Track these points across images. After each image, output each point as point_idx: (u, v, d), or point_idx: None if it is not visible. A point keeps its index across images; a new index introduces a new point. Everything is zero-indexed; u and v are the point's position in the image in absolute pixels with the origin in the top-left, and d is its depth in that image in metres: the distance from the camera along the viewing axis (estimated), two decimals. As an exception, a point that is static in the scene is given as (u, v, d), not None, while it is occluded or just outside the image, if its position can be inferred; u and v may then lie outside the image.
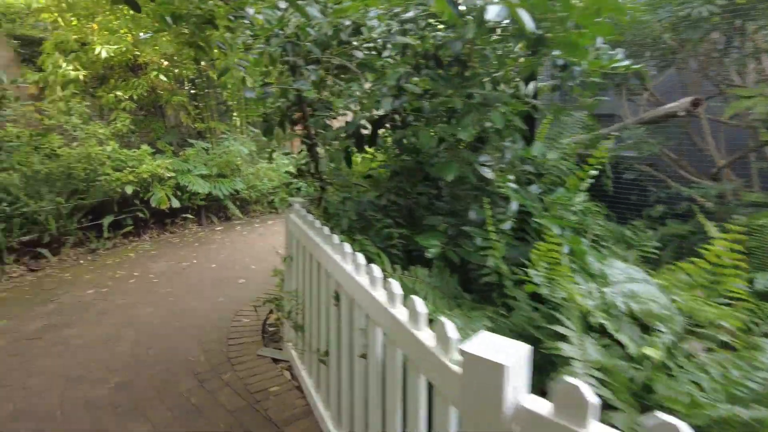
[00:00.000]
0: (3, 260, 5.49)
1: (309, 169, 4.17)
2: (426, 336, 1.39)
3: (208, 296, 4.92)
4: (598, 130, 3.26)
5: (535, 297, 1.89)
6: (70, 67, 7.30)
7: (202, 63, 8.62)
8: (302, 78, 2.81)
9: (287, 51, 2.76)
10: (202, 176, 7.70)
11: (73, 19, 7.60)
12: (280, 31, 2.73)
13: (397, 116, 2.91)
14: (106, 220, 6.54)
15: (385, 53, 2.93)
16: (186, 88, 8.97)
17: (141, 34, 7.88)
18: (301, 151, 4.11)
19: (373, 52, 3.09)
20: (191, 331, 4.09)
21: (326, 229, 2.46)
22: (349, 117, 3.88)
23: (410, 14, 2.44)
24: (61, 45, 7.46)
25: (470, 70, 2.29)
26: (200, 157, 7.94)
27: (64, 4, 7.59)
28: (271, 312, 4.45)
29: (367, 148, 2.98)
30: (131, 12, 7.62)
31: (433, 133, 2.28)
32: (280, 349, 3.68)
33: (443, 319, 1.28)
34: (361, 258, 1.97)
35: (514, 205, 2.04)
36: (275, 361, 3.55)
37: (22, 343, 3.91)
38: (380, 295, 1.74)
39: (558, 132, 3.22)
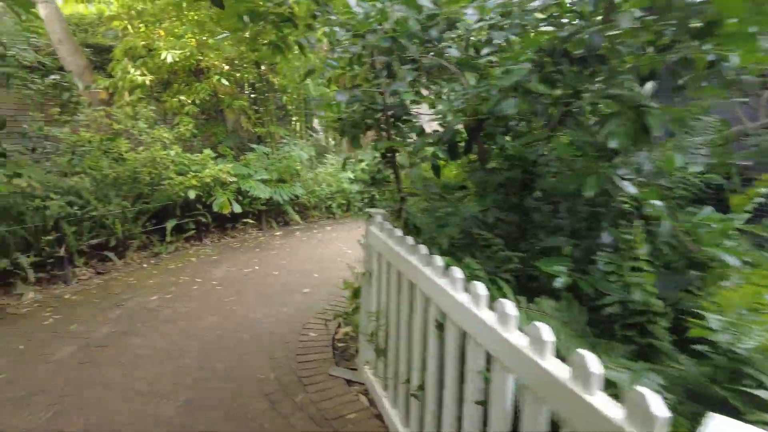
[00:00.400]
0: (74, 263, 5.55)
1: (384, 177, 3.91)
2: (606, 407, 1.07)
3: (272, 306, 4.75)
4: (727, 136, 2.82)
5: (686, 339, 1.54)
6: (138, 73, 7.41)
7: (263, 67, 8.60)
8: (394, 79, 2.55)
9: (382, 49, 2.51)
10: (263, 181, 7.62)
11: (141, 25, 7.73)
12: (379, 26, 2.47)
13: (495, 120, 2.60)
14: (170, 224, 6.54)
15: (485, 50, 2.63)
16: (246, 92, 8.98)
17: (205, 37, 7.94)
18: (375, 158, 3.87)
19: (471, 50, 2.80)
20: (258, 345, 3.90)
21: (423, 248, 2.17)
22: (424, 121, 3.60)
23: (537, 3, 2.12)
24: (129, 51, 7.60)
25: (602, 67, 1.95)
26: (261, 162, 7.89)
27: (133, 12, 7.73)
28: (339, 326, 4.23)
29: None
30: (196, 17, 7.69)
31: (568, 141, 1.96)
32: (354, 369, 3.43)
33: (641, 389, 0.96)
34: (481, 288, 1.67)
35: (665, 227, 1.69)
36: (349, 382, 3.29)
37: (92, 350, 3.84)
38: (516, 338, 1.43)
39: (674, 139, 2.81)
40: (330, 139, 9.58)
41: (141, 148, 6.37)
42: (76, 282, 5.47)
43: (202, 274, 5.75)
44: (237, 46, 7.48)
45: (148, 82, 7.40)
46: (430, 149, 2.77)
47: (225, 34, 3.49)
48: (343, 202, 8.91)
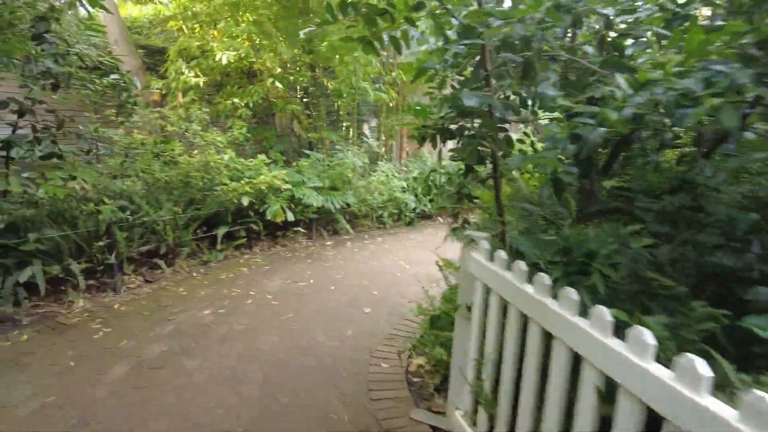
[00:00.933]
0: (123, 270, 5.32)
1: (471, 191, 3.46)
2: None
3: (334, 328, 4.35)
4: None
5: None
6: (191, 74, 7.22)
7: (316, 70, 8.31)
8: (525, 80, 2.11)
9: (512, 46, 2.07)
10: (315, 188, 7.30)
11: (196, 26, 7.56)
12: (528, 17, 2.03)
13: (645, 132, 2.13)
14: (221, 232, 6.27)
15: (629, 48, 2.17)
16: (298, 96, 8.72)
17: (259, 39, 7.70)
18: (460, 170, 3.44)
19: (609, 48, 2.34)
20: (324, 374, 3.51)
21: (571, 292, 1.72)
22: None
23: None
24: (183, 52, 7.43)
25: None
26: (314, 169, 7.57)
27: (189, 13, 7.57)
28: (410, 356, 3.79)
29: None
30: (252, 17, 7.46)
31: None
32: (439, 413, 2.99)
33: None
34: (701, 366, 1.20)
35: None
36: (434, 430, 2.85)
37: (145, 371, 3.53)
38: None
39: None
40: (382, 146, 9.21)
41: (195, 152, 6.13)
42: (125, 290, 5.23)
43: (255, 285, 5.43)
44: (290, 48, 7.20)
45: (201, 84, 7.20)
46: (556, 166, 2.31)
47: (310, 28, 3.09)
48: (395, 211, 8.50)
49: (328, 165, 7.82)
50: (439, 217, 9.26)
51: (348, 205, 7.70)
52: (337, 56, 7.45)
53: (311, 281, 5.62)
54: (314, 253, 6.86)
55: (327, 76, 8.47)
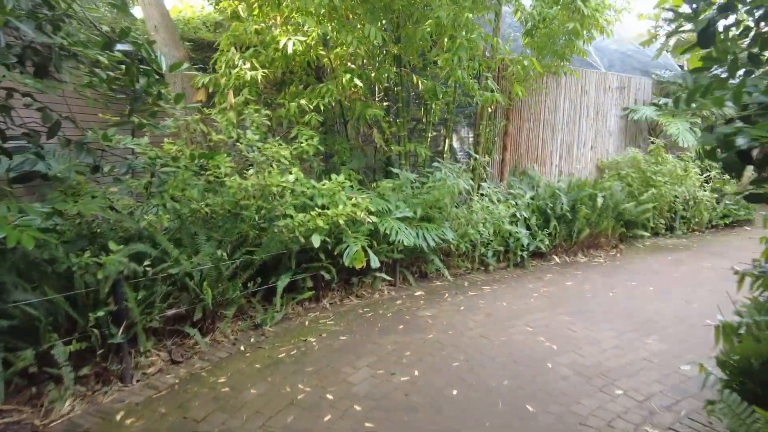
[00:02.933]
0: (138, 347, 3.55)
1: None
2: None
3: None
4: None
5: None
6: (247, 66, 5.50)
7: (404, 65, 6.42)
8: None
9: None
10: (404, 219, 5.37)
11: (255, 6, 5.86)
12: None
13: None
14: (281, 284, 4.43)
15: None
16: (377, 98, 6.86)
17: (331, 26, 5.88)
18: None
19: None
20: None
21: None
22: None
23: None
24: (238, 39, 5.74)
25: None
26: (399, 193, 5.65)
27: (246, -10, 5.89)
28: None
29: None
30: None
31: None
32: None
33: None
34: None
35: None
36: None
37: None
38: None
39: None
40: (483, 162, 7.16)
41: (249, 171, 4.33)
42: (138, 380, 3.44)
43: (331, 378, 3.51)
44: (378, 30, 5.33)
45: (259, 79, 5.46)
46: None
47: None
48: (499, 248, 6.43)
49: (417, 188, 5.88)
50: (555, 256, 7.09)
51: (444, 241, 5.70)
52: (446, 38, 5.51)
53: (415, 372, 3.63)
54: (403, 312, 4.88)
55: (417, 73, 6.57)
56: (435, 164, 6.09)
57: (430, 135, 7.12)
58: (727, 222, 9.70)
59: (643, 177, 8.49)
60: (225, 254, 3.94)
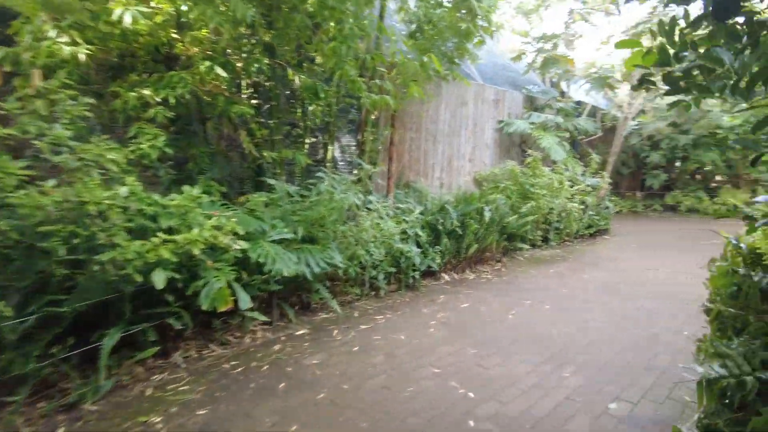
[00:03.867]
0: None
1: None
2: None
3: None
4: None
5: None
6: (64, 39, 4.06)
7: (277, 55, 5.42)
8: None
9: None
10: (281, 242, 4.36)
11: (76, -37, 4.42)
12: None
13: None
14: (109, 341, 3.13)
15: None
16: (245, 94, 5.75)
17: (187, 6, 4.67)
18: None
19: None
20: None
21: None
22: None
23: None
24: (51, 2, 4.25)
25: None
26: (277, 209, 4.63)
27: (63, -62, 4.42)
28: None
29: None
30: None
31: None
32: None
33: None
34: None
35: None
36: None
37: None
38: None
39: None
40: (372, 172, 6.40)
41: (51, 182, 2.99)
42: None
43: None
44: (246, 7, 4.28)
45: (83, 57, 4.06)
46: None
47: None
48: (391, 269, 5.72)
49: (298, 203, 4.91)
50: (444, 274, 6.60)
51: (331, 265, 4.81)
52: (332, 23, 4.64)
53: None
54: (284, 362, 3.87)
55: (292, 67, 5.60)
56: (319, 174, 5.18)
57: (307, 141, 6.19)
58: (591, 232, 10.25)
59: (521, 190, 8.50)
60: (9, 309, 2.58)
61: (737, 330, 2.63)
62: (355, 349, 4.19)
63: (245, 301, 3.65)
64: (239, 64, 5.21)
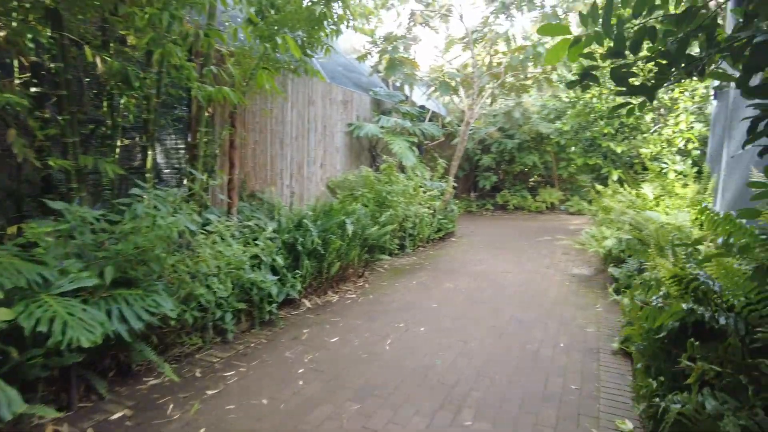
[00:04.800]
0: None
1: None
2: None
3: None
4: None
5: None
6: None
7: (64, 27, 3.90)
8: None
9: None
10: (76, 293, 2.98)
11: None
12: None
13: None
14: None
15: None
16: (20, 78, 4.05)
17: None
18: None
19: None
20: None
21: None
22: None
23: None
24: None
25: None
26: (69, 244, 3.20)
27: None
28: None
29: None
30: None
31: None
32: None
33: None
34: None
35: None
36: None
37: None
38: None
39: None
40: (207, 184, 5.12)
41: None
42: None
43: None
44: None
45: None
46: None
47: None
48: (240, 306, 4.60)
49: (104, 233, 3.52)
50: (305, 300, 5.66)
51: (155, 315, 3.53)
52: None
53: None
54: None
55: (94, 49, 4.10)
56: (135, 190, 3.83)
57: (119, 144, 4.71)
58: (441, 235, 10.25)
59: (378, 197, 7.97)
60: None
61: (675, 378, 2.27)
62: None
63: (6, 408, 2.27)
64: (2, 34, 3.59)
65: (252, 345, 4.52)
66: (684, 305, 2.08)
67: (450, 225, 10.55)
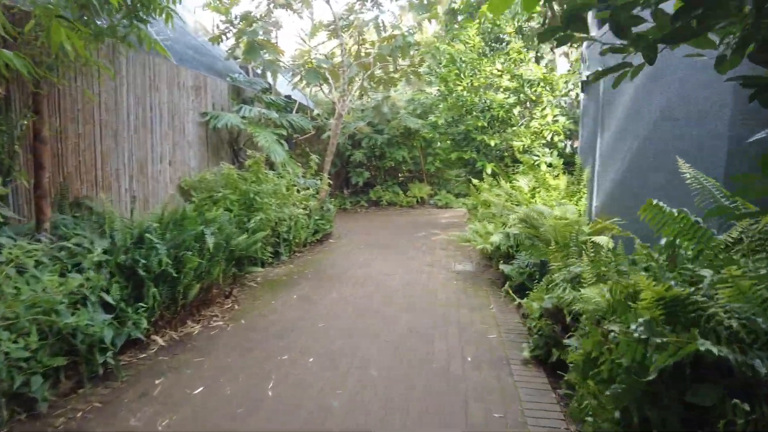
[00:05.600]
0: None
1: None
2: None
3: None
4: None
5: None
6: None
7: None
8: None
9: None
10: None
11: None
12: None
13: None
14: None
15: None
16: None
17: None
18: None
19: None
20: None
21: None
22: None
23: None
24: None
25: None
26: None
27: None
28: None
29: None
30: None
31: None
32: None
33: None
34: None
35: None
36: None
37: None
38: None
39: None
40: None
41: None
42: None
43: None
44: None
45: None
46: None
47: None
48: (54, 363, 3.26)
49: None
50: (157, 336, 4.40)
51: None
52: None
53: None
54: None
55: None
56: None
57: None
58: (318, 237, 9.39)
59: (244, 199, 6.83)
60: None
61: None
62: None
63: None
64: None
65: (78, 415, 3.23)
66: (700, 344, 1.55)
67: (327, 226, 9.74)
